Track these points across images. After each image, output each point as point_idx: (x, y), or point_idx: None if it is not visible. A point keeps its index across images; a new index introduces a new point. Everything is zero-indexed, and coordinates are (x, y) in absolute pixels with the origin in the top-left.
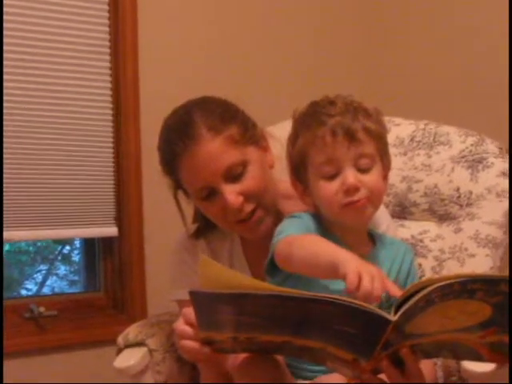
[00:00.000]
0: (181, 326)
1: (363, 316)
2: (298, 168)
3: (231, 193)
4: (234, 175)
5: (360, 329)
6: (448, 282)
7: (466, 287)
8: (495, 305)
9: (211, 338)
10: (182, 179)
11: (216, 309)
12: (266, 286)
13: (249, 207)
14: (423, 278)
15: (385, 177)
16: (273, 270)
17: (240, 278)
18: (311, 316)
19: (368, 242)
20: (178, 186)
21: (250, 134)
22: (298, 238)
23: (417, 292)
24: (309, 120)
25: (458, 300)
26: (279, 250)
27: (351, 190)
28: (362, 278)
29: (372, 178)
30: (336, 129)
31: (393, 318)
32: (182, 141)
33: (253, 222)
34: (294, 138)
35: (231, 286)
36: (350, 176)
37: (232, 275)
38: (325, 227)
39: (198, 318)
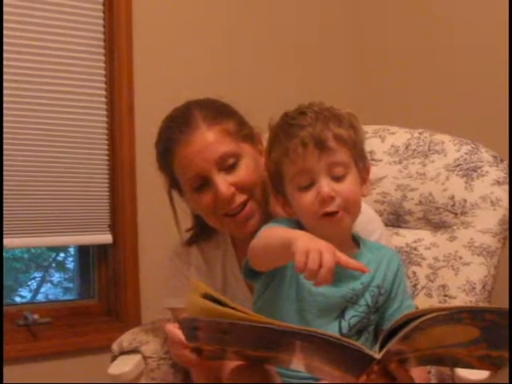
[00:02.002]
0: (172, 327)
1: (347, 351)
2: (275, 180)
3: (223, 183)
4: (227, 165)
5: (345, 358)
6: (434, 314)
7: (453, 316)
8: (483, 328)
9: (200, 347)
10: (177, 169)
11: (202, 332)
12: (250, 317)
13: (240, 198)
14: (406, 312)
15: (364, 181)
16: (251, 275)
17: (223, 309)
18: (296, 342)
19: (352, 246)
20: (172, 182)
21: (246, 131)
22: (262, 232)
23: (403, 324)
24: (280, 132)
25: (445, 325)
26: (250, 248)
27: (326, 200)
28: (309, 254)
29: (347, 186)
30: (306, 140)
31: (377, 355)
32: (179, 129)
33: (242, 216)
34: (268, 151)
35: (216, 313)
36: (324, 186)
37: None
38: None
39: (186, 336)
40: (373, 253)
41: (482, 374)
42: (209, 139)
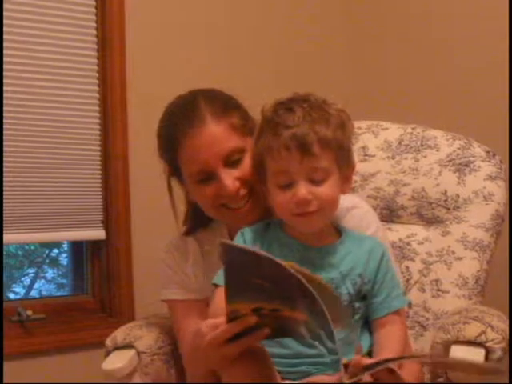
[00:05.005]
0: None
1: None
2: (259, 171)
3: (229, 178)
4: (232, 161)
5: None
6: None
7: None
8: None
9: (237, 311)
10: (182, 160)
11: (242, 266)
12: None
13: (243, 192)
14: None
15: (347, 178)
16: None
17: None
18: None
19: (332, 237)
20: (173, 172)
21: (249, 125)
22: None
23: None
24: (267, 128)
25: None
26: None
27: (302, 203)
28: None
29: (325, 189)
30: (290, 142)
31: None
32: (188, 121)
33: (243, 212)
34: (255, 142)
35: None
36: (302, 189)
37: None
38: (282, 228)
39: (227, 279)
40: (354, 242)
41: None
42: (217, 135)
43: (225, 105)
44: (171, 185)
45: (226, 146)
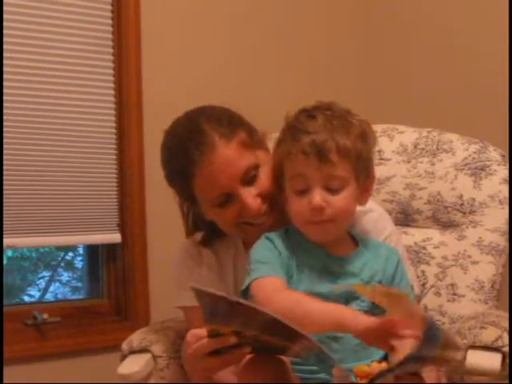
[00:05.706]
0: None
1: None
2: (278, 177)
3: (250, 196)
4: (248, 178)
5: None
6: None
7: None
8: None
9: (217, 331)
10: (197, 188)
11: (216, 306)
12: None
13: (264, 207)
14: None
15: (367, 189)
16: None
17: None
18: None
19: (349, 245)
20: (185, 198)
21: (256, 137)
22: (277, 296)
23: None
24: (288, 134)
25: None
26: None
27: (316, 210)
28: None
29: (341, 199)
30: (308, 148)
31: None
32: (198, 149)
33: (266, 226)
34: (276, 147)
35: None
36: (316, 196)
37: None
38: (303, 235)
39: (203, 311)
40: (371, 250)
41: (495, 364)
42: (229, 156)
43: (230, 123)
44: (184, 210)
45: (240, 166)
